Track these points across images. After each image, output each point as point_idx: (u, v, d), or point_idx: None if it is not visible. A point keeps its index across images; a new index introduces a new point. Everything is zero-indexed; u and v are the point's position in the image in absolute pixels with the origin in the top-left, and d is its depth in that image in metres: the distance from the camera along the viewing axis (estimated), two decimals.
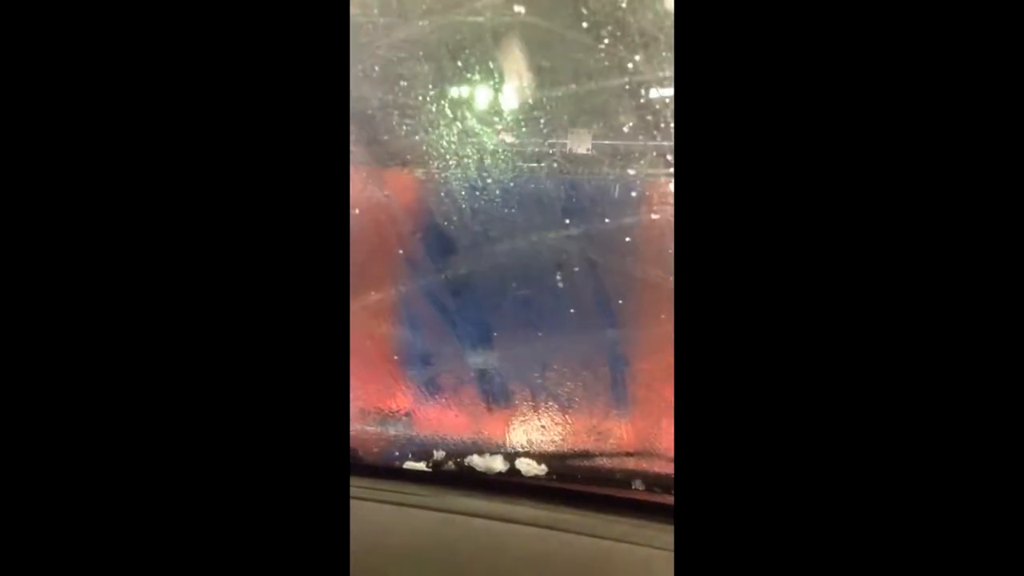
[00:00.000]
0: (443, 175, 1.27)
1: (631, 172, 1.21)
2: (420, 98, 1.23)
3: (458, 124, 1.23)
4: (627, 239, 1.24)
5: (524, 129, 1.23)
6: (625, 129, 1.20)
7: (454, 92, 1.23)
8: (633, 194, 1.22)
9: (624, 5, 1.11)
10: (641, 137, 1.18)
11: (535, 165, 1.25)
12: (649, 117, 1.17)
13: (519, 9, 1.17)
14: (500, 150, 1.24)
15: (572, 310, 1.31)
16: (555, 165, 1.24)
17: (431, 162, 1.26)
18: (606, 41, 1.13)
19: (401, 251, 1.36)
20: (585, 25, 1.13)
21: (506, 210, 1.27)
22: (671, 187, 1.19)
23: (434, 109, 1.23)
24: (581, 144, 1.22)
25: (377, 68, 1.24)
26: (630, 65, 1.14)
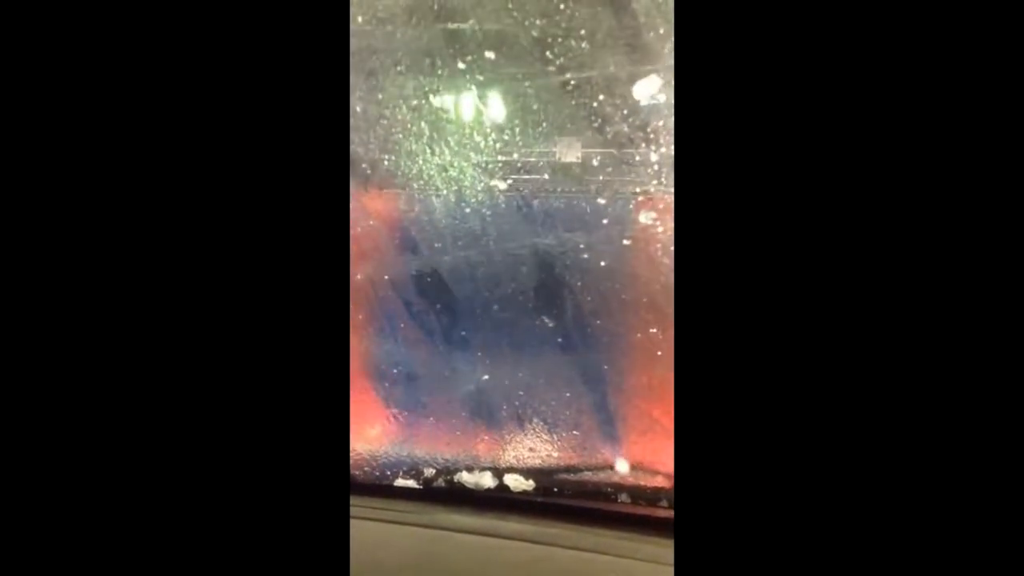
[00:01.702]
0: (424, 194, 1.27)
1: (616, 188, 1.22)
2: (401, 112, 1.21)
3: (441, 146, 1.22)
4: (604, 262, 1.26)
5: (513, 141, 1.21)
6: (608, 142, 1.19)
7: (436, 103, 1.21)
8: (607, 217, 1.24)
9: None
10: (628, 150, 1.18)
11: (520, 179, 1.25)
12: (627, 136, 1.16)
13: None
14: (482, 166, 1.24)
15: (556, 331, 1.34)
16: (546, 176, 1.23)
17: (412, 181, 1.26)
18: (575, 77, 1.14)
19: (387, 277, 1.38)
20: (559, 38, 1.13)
21: (490, 230, 1.28)
22: (650, 205, 1.21)
23: (413, 125, 1.21)
24: (570, 153, 1.20)
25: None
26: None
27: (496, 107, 1.20)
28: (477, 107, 1.20)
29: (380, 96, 1.21)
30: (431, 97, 1.21)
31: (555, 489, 1.28)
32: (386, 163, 1.27)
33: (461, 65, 1.15)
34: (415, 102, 1.21)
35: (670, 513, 1.23)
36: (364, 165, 1.28)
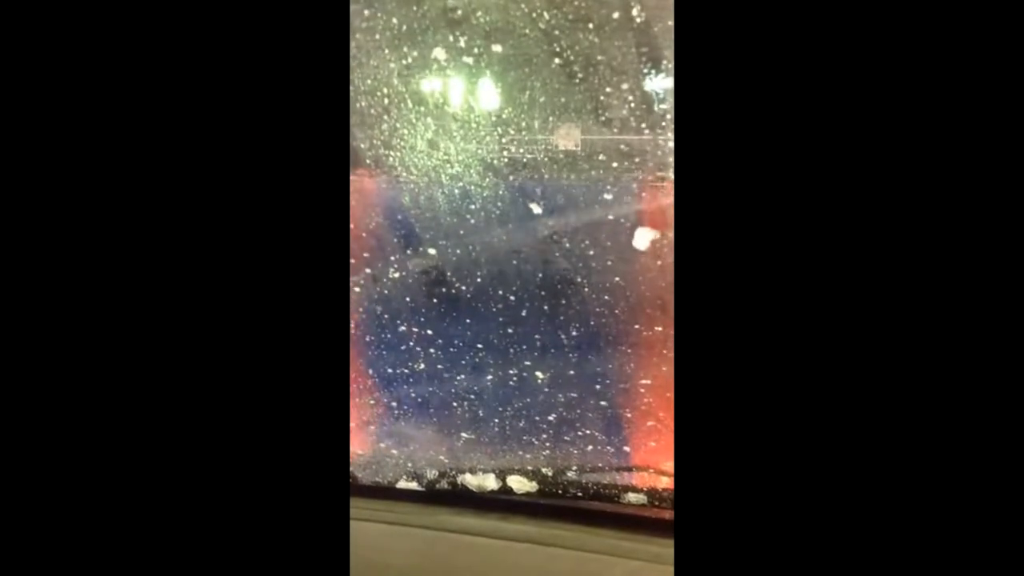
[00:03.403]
0: (422, 182, 1.24)
1: (613, 178, 1.19)
2: (391, 93, 1.18)
3: (435, 126, 1.19)
4: (609, 258, 1.26)
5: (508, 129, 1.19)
6: (612, 129, 1.17)
7: (426, 87, 1.18)
8: (610, 211, 1.22)
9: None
10: (629, 136, 1.16)
11: (520, 170, 1.22)
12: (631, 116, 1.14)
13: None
14: (478, 156, 1.21)
15: (559, 329, 1.33)
16: (543, 171, 1.21)
17: (409, 169, 1.24)
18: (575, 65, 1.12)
19: (387, 271, 1.37)
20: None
21: (493, 223, 1.27)
22: (647, 198, 1.20)
23: (408, 107, 1.18)
24: (569, 140, 1.19)
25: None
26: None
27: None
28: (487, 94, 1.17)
29: (385, 90, 1.20)
30: (433, 83, 1.18)
31: (559, 491, 1.27)
32: (390, 156, 1.26)
33: (468, 60, 1.13)
34: (416, 89, 1.19)
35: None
36: (368, 160, 1.27)
